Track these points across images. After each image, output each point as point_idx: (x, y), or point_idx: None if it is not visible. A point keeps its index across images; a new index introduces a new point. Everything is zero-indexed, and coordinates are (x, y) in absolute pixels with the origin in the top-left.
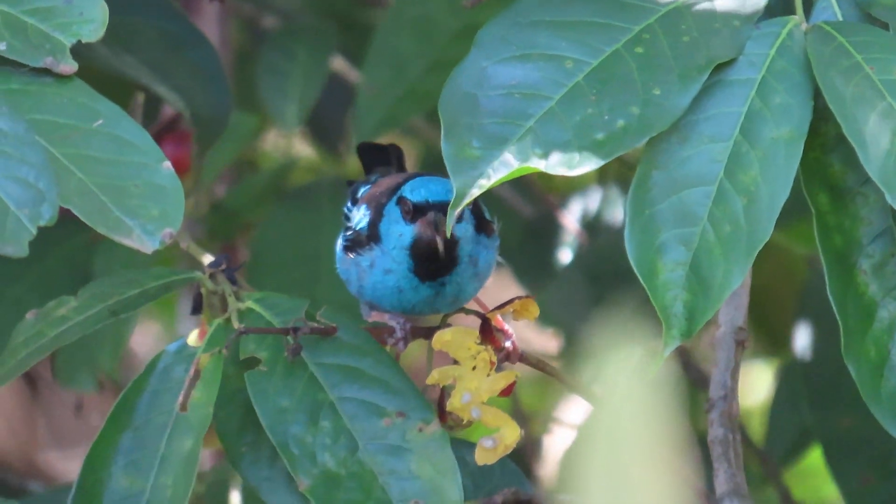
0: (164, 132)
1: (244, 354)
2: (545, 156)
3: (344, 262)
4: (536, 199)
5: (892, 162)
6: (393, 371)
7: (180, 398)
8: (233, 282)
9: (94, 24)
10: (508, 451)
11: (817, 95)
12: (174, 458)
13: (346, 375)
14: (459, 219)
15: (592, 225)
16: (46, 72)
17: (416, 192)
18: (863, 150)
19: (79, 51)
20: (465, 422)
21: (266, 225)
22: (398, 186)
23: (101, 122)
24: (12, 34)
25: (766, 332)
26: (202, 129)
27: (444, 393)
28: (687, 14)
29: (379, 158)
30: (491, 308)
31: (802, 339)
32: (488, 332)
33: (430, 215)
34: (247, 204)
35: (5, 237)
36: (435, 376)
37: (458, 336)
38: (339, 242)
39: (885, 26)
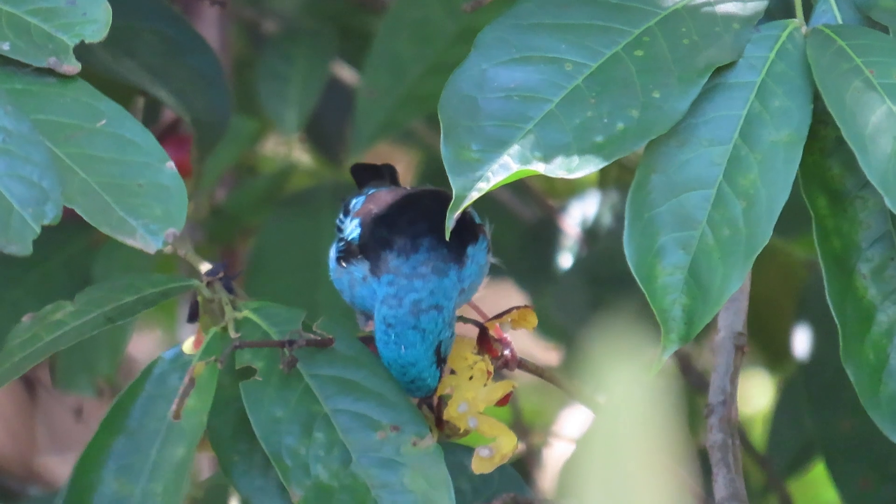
0: (164, 136)
1: (240, 364)
2: (545, 159)
3: (337, 271)
4: (536, 203)
5: (892, 166)
6: (388, 384)
7: (174, 406)
8: (230, 290)
9: (97, 24)
10: (505, 461)
11: (817, 99)
12: (166, 464)
13: (341, 387)
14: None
15: (592, 229)
16: (50, 72)
17: (387, 349)
18: (862, 153)
19: (79, 54)
20: (461, 431)
21: (265, 230)
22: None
23: (104, 121)
24: (16, 34)
25: (766, 337)
26: (202, 133)
27: (441, 402)
28: (687, 17)
29: (372, 176)
30: (489, 317)
31: (803, 343)
32: (486, 342)
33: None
34: (246, 208)
35: (10, 236)
36: None
37: (455, 346)
38: (333, 253)
39: (885, 30)
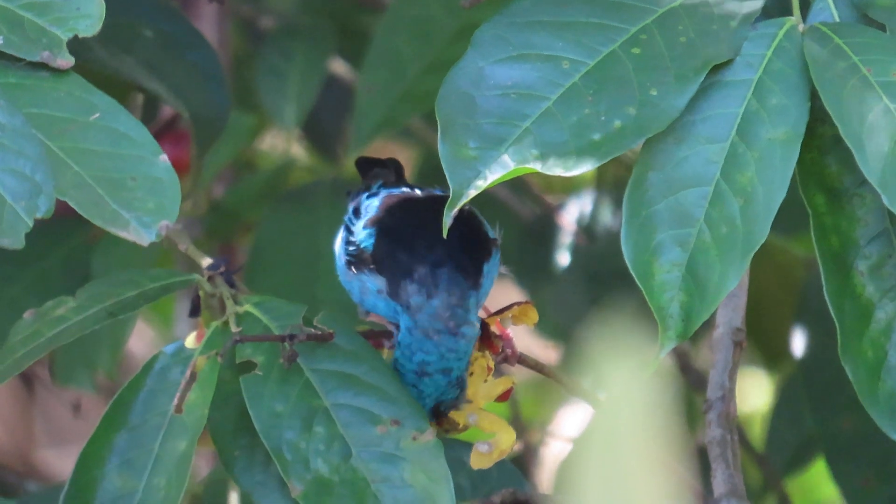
0: (163, 132)
1: (240, 358)
2: (542, 156)
3: (347, 274)
4: (534, 200)
5: (890, 164)
6: (388, 378)
7: (176, 400)
8: (231, 285)
9: (90, 19)
10: (504, 457)
11: (814, 96)
12: (168, 459)
13: (342, 382)
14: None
15: (590, 227)
16: (43, 66)
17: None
18: (860, 151)
19: (77, 51)
20: (461, 427)
21: (264, 225)
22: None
23: (97, 115)
24: (9, 28)
25: (764, 335)
26: (201, 129)
27: None
28: (684, 15)
29: (377, 170)
30: (490, 313)
31: (801, 341)
32: (486, 338)
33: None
34: (245, 204)
35: (2, 230)
36: None
37: None
38: (341, 252)
39: (883, 28)
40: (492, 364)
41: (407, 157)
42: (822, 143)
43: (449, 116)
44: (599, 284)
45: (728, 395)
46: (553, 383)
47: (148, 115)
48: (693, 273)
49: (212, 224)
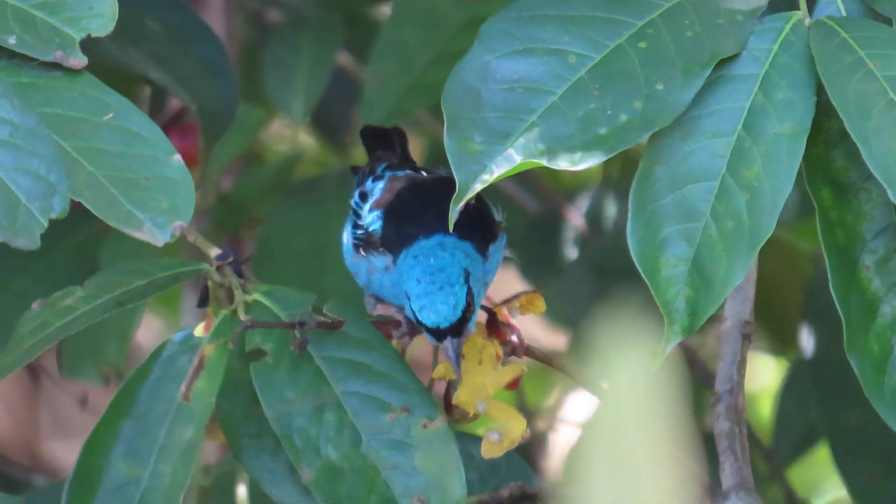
0: (170, 125)
1: (250, 346)
2: (548, 151)
3: (354, 256)
4: (541, 195)
5: (895, 158)
6: (398, 366)
7: (183, 387)
8: (240, 274)
9: (103, 18)
10: (514, 445)
11: (820, 91)
12: (174, 446)
13: (352, 370)
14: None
15: (597, 221)
16: (56, 66)
17: (424, 313)
18: (866, 146)
19: (85, 44)
20: (470, 415)
21: (272, 217)
22: (411, 238)
23: (111, 115)
24: (22, 28)
25: (772, 328)
26: (209, 122)
27: (451, 387)
28: (690, 9)
29: (382, 142)
30: (497, 302)
31: (808, 335)
32: (495, 327)
33: (447, 344)
34: (253, 197)
35: (17, 230)
36: (441, 370)
37: None
38: (348, 236)
39: (889, 22)
40: (500, 352)
41: (413, 148)
42: (828, 138)
43: (455, 110)
44: (606, 278)
45: (736, 389)
46: (558, 371)
47: (155, 108)
48: (699, 267)
49: (220, 216)
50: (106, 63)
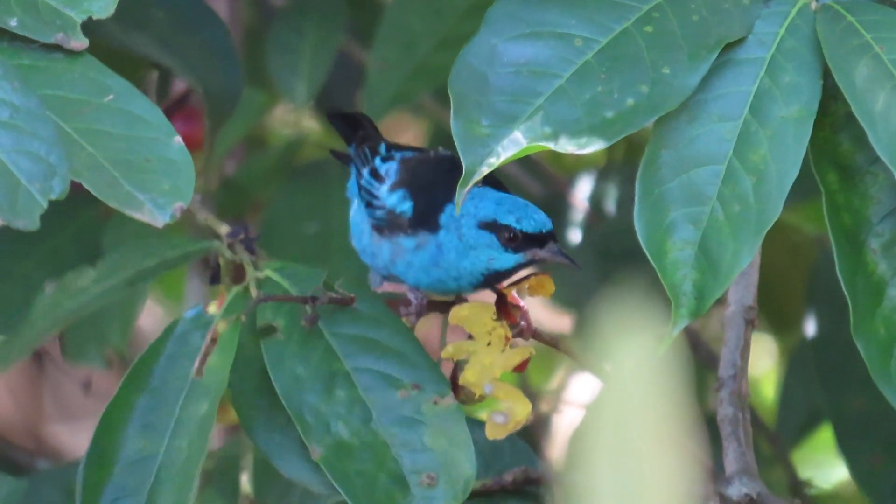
0: (175, 109)
1: (261, 322)
2: (554, 134)
3: (374, 237)
4: (546, 178)
5: None
6: (409, 343)
7: (196, 363)
8: (251, 251)
9: (104, 1)
10: (519, 427)
11: (827, 74)
12: (189, 421)
13: (363, 346)
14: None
15: (601, 204)
16: (57, 48)
17: (525, 221)
18: (872, 129)
19: (89, 27)
20: (477, 396)
21: (276, 201)
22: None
23: (111, 97)
24: (23, 10)
25: (776, 312)
26: (214, 106)
27: (458, 367)
28: None
29: (354, 125)
30: (506, 284)
31: (813, 319)
32: (504, 308)
33: (555, 247)
34: (257, 181)
35: (17, 211)
36: (450, 350)
37: (474, 311)
38: (362, 217)
39: (895, 6)
40: (509, 334)
41: (417, 132)
42: (834, 121)
43: (462, 94)
44: (610, 261)
45: (740, 374)
46: (563, 354)
47: (160, 92)
48: (706, 251)
49: (224, 200)
50: (110, 47)
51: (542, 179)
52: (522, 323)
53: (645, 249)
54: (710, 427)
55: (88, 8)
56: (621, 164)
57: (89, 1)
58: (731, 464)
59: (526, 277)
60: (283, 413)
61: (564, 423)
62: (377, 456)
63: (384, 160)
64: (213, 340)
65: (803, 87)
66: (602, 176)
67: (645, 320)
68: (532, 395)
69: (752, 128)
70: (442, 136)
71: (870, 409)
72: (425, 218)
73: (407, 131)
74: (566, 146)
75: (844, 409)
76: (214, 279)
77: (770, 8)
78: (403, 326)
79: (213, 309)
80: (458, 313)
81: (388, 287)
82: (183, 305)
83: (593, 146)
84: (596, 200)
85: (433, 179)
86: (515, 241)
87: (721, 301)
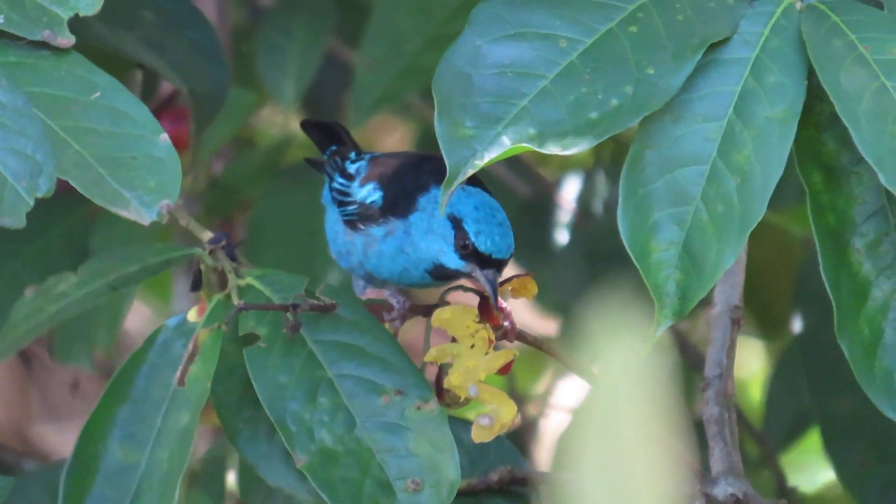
0: (162, 109)
1: (243, 330)
2: (539, 135)
3: (346, 234)
4: (532, 178)
5: (886, 142)
6: (392, 349)
7: (178, 373)
8: (233, 258)
9: None
10: (505, 430)
11: (811, 74)
12: (171, 432)
13: (345, 352)
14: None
15: (587, 204)
16: (44, 45)
17: (483, 238)
18: (857, 130)
19: (76, 27)
20: (462, 399)
21: (263, 202)
22: (428, 184)
23: (98, 94)
24: (10, 7)
25: (762, 313)
26: (200, 106)
27: (442, 370)
28: None
29: (328, 135)
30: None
31: (799, 320)
32: (487, 311)
33: (492, 275)
34: (244, 181)
35: (3, 209)
36: (433, 354)
37: (456, 314)
38: (335, 217)
39: (880, 5)
40: (493, 336)
41: (404, 133)
42: (819, 121)
43: (446, 95)
44: (597, 262)
45: (726, 374)
46: (548, 356)
47: (147, 91)
48: (690, 251)
49: (211, 200)
50: (97, 46)
51: (529, 180)
52: (506, 324)
53: (629, 250)
54: (698, 428)
55: (75, 5)
56: (609, 165)
57: None
58: (717, 464)
59: (509, 279)
60: (266, 421)
61: (551, 426)
62: (362, 462)
63: (353, 162)
64: (195, 349)
65: (788, 87)
66: (589, 176)
67: (632, 321)
68: (519, 398)
69: (736, 128)
70: (429, 136)
71: (857, 411)
72: (395, 206)
73: (395, 132)
74: (551, 147)
75: (831, 411)
76: (195, 286)
77: (755, 8)
78: (385, 332)
79: (192, 316)
80: (440, 316)
81: (371, 293)
82: (170, 306)
83: (578, 147)
84: (583, 201)
85: (402, 169)
86: (465, 249)
87: (708, 302)
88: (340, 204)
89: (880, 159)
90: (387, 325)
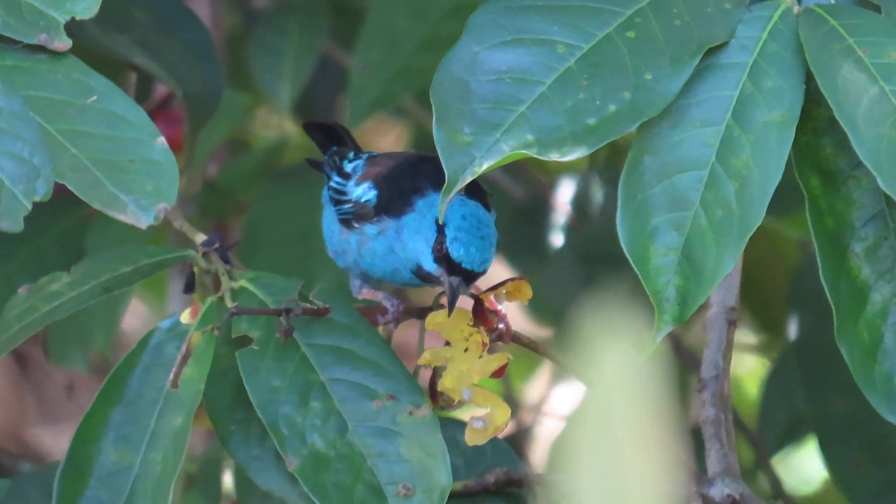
0: (156, 111)
1: (236, 333)
2: (537, 141)
3: (342, 234)
4: (528, 181)
5: (884, 146)
6: (384, 353)
7: (171, 375)
8: (226, 261)
9: (87, 1)
10: (499, 433)
11: (809, 78)
12: (164, 434)
13: (338, 357)
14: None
15: (583, 208)
16: (41, 48)
17: (457, 245)
18: (855, 134)
19: (70, 29)
20: (455, 403)
21: (259, 204)
22: (421, 189)
23: (95, 98)
24: (7, 11)
25: (758, 315)
26: (194, 108)
27: (436, 374)
28: None
29: (330, 136)
30: (484, 289)
31: (796, 323)
32: (481, 314)
33: (456, 282)
34: (239, 183)
35: (1, 213)
36: (427, 357)
37: (451, 317)
38: (331, 217)
39: (878, 9)
40: (487, 340)
41: (399, 135)
42: (817, 126)
43: (444, 102)
44: (593, 265)
45: (722, 375)
46: (543, 359)
47: (141, 94)
48: (689, 257)
49: (206, 203)
50: (91, 49)
51: (524, 183)
52: (501, 326)
53: (628, 255)
54: (693, 430)
55: (72, 9)
56: (604, 168)
57: (72, 2)
58: (713, 465)
59: (504, 283)
60: (258, 424)
61: (547, 428)
62: (353, 467)
63: (351, 161)
64: (189, 351)
65: (786, 91)
66: (584, 179)
67: (628, 324)
68: (514, 401)
69: (734, 133)
70: (424, 138)
71: (852, 413)
72: (389, 205)
73: (390, 134)
74: (549, 154)
75: (827, 413)
76: (189, 288)
77: (752, 12)
78: (378, 336)
79: (186, 318)
80: (433, 319)
81: (367, 294)
82: (167, 305)
83: (576, 153)
84: (579, 204)
85: (399, 170)
86: (439, 253)
87: (703, 305)
88: (336, 203)
89: (878, 163)
90: (381, 329)
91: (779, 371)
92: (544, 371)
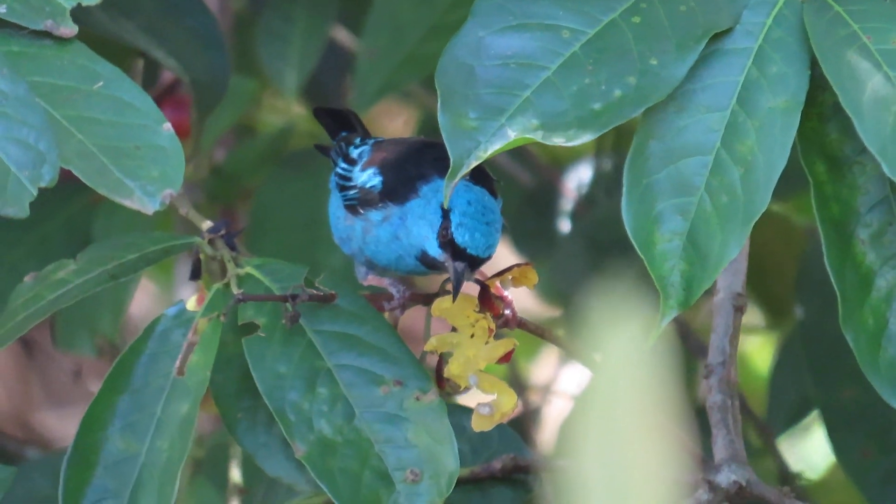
0: (163, 97)
1: (242, 320)
2: (542, 126)
3: (347, 220)
4: (535, 167)
5: (889, 132)
6: (391, 339)
7: (178, 362)
8: (232, 248)
9: None
10: (505, 419)
11: (814, 64)
12: (171, 421)
13: (345, 343)
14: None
15: (590, 194)
16: (46, 34)
17: (462, 230)
18: (860, 119)
19: (76, 15)
20: (462, 389)
21: (265, 189)
22: (426, 176)
23: (101, 83)
24: None
25: (765, 301)
26: (201, 94)
27: (442, 360)
28: None
29: (340, 121)
30: (490, 275)
31: (802, 309)
32: (487, 300)
33: (461, 267)
34: (246, 169)
35: (6, 199)
36: (433, 343)
37: (457, 303)
38: (337, 203)
39: None
40: (493, 325)
41: (406, 121)
42: (822, 112)
43: (449, 87)
44: (599, 251)
45: (728, 361)
46: (550, 344)
47: (148, 80)
48: (694, 242)
49: (212, 188)
50: (98, 35)
51: (531, 169)
52: (507, 312)
53: (633, 240)
54: (700, 415)
55: None
56: (611, 153)
57: None
58: (720, 451)
59: (510, 268)
60: (265, 411)
61: (554, 412)
62: (360, 453)
63: (357, 147)
64: (195, 339)
65: (791, 77)
66: (591, 164)
67: (634, 309)
68: (521, 385)
69: (739, 118)
70: (431, 124)
71: (860, 400)
72: (394, 191)
73: (397, 120)
74: (554, 138)
75: (834, 400)
76: (195, 275)
77: None
78: (385, 322)
79: (192, 305)
80: (440, 305)
81: (372, 280)
82: (174, 289)
83: (581, 138)
84: (585, 189)
85: (404, 156)
86: (444, 237)
87: (710, 290)
88: (342, 189)
89: (883, 149)
90: (387, 315)
91: (786, 357)
92: (552, 351)
